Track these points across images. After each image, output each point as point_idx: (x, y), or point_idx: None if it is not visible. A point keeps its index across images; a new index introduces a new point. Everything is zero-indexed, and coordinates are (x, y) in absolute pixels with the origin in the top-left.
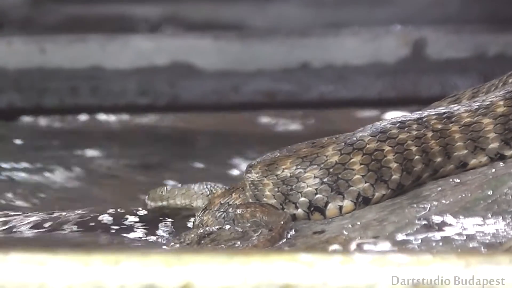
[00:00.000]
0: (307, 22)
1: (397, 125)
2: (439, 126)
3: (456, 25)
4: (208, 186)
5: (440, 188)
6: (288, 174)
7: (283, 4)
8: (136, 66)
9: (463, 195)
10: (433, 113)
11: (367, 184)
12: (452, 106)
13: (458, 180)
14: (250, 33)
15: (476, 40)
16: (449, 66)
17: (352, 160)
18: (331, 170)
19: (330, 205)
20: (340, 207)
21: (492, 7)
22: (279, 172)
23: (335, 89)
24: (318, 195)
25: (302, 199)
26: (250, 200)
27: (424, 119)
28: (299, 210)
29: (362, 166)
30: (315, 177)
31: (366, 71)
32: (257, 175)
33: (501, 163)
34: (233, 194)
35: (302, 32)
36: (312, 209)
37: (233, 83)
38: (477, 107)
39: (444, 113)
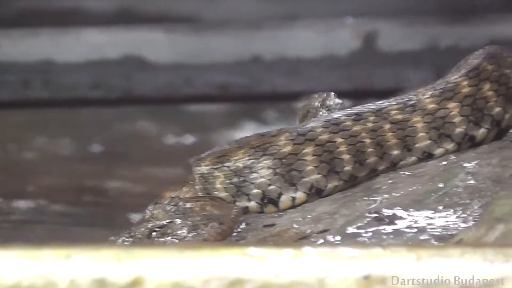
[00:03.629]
0: (260, 15)
1: (352, 117)
2: (399, 117)
3: (409, 17)
4: None
5: (391, 181)
6: (241, 165)
7: None
8: (89, 60)
9: (414, 188)
10: (393, 103)
11: (319, 175)
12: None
13: (409, 173)
14: (202, 25)
15: (429, 32)
16: (402, 59)
17: (304, 151)
18: (284, 160)
19: (283, 197)
20: (293, 199)
21: None
22: (230, 164)
23: (288, 82)
24: (271, 186)
25: (255, 190)
26: (200, 194)
27: (382, 111)
28: (252, 202)
29: (314, 157)
30: (268, 168)
31: (319, 63)
32: (207, 167)
33: (452, 156)
34: (183, 188)
35: (255, 25)
36: (265, 200)
37: (186, 76)
38: (441, 91)
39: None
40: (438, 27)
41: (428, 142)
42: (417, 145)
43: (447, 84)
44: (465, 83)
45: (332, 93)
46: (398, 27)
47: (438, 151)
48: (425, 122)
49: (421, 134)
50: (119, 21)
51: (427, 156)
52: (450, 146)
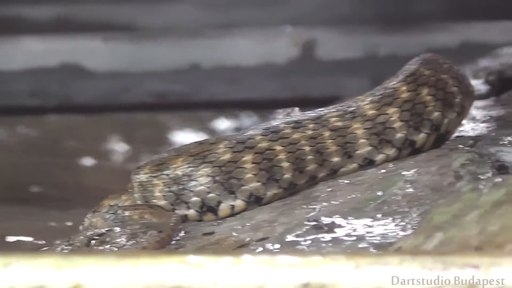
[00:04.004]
0: (199, 23)
1: (292, 124)
2: (339, 124)
3: (348, 26)
4: None
5: (330, 189)
6: (180, 173)
7: (174, 5)
8: (27, 68)
9: (353, 196)
10: (333, 111)
11: (259, 183)
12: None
13: (348, 181)
14: (141, 34)
15: (367, 41)
16: (340, 67)
17: (243, 159)
18: (223, 168)
19: (222, 205)
20: (233, 207)
21: (384, 8)
22: (169, 172)
23: (227, 90)
24: (210, 194)
25: (194, 198)
26: (139, 202)
27: (322, 118)
28: (191, 210)
29: (253, 165)
30: (207, 176)
31: (258, 72)
32: (146, 175)
33: (390, 164)
34: (122, 196)
35: (194, 33)
36: (204, 209)
37: (124, 84)
38: (380, 97)
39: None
40: (376, 35)
41: (369, 148)
42: (358, 152)
43: (386, 90)
44: (404, 88)
45: (297, 108)
46: (336, 35)
47: (379, 157)
48: (365, 129)
49: (361, 140)
50: (57, 29)
51: (368, 162)
52: (391, 152)
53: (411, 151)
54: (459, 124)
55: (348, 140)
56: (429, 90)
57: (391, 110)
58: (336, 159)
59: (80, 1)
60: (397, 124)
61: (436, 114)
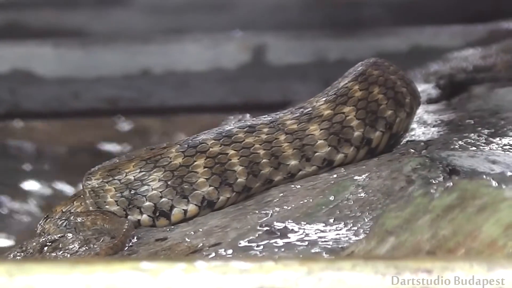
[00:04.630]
0: (148, 29)
1: (245, 129)
2: (295, 127)
3: (297, 31)
4: None
5: (282, 194)
6: (132, 178)
7: (124, 11)
8: None
9: (305, 201)
10: (287, 114)
11: (211, 187)
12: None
13: (299, 186)
14: (90, 40)
15: (316, 46)
16: (290, 72)
17: (195, 163)
18: (175, 172)
19: (175, 210)
20: (185, 211)
21: (333, 12)
22: (121, 177)
23: (177, 96)
24: (163, 199)
25: (147, 203)
26: (91, 208)
27: (277, 122)
28: (144, 215)
29: (205, 169)
30: (159, 180)
31: (208, 77)
32: (98, 181)
33: (342, 169)
34: (74, 202)
35: (144, 39)
36: (157, 214)
37: (74, 90)
38: (334, 96)
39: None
40: (325, 40)
41: (328, 149)
42: (317, 154)
43: (338, 89)
44: (357, 87)
45: (248, 115)
46: (286, 40)
47: (339, 156)
48: (322, 129)
49: (320, 141)
50: (6, 35)
51: (327, 164)
52: (349, 150)
53: (367, 151)
54: (408, 126)
55: (306, 143)
56: (379, 89)
57: (347, 109)
58: (293, 162)
59: (29, 7)
60: (354, 123)
61: (390, 112)
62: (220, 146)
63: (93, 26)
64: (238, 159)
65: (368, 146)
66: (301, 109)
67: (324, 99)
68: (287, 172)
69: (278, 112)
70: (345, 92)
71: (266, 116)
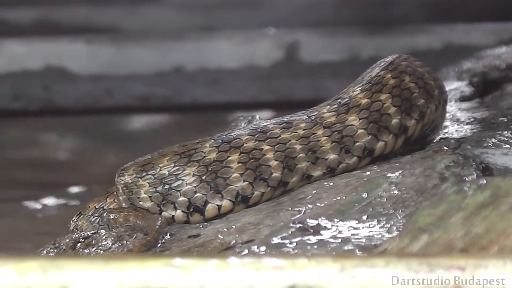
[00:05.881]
0: (180, 26)
1: (282, 125)
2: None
3: (330, 28)
4: None
5: (315, 191)
6: (166, 172)
7: (156, 8)
8: (9, 71)
9: (338, 198)
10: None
11: (245, 182)
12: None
13: (332, 183)
14: (123, 36)
15: (349, 43)
16: (323, 69)
17: (229, 158)
18: (209, 167)
19: (209, 205)
20: (219, 207)
21: (365, 10)
22: (155, 171)
23: (209, 93)
24: (197, 194)
25: (181, 198)
26: (124, 205)
27: (313, 117)
28: (178, 211)
29: (240, 164)
30: (193, 175)
31: (240, 74)
32: (131, 177)
33: (375, 166)
34: (107, 199)
35: (176, 36)
36: (191, 209)
37: (106, 87)
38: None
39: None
40: (358, 37)
41: (369, 137)
42: (357, 143)
43: (372, 78)
44: (389, 75)
45: (257, 115)
46: (319, 38)
47: (379, 145)
48: (361, 118)
49: (360, 131)
50: (39, 31)
51: (368, 153)
52: (389, 138)
53: (404, 139)
54: (436, 121)
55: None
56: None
57: (383, 97)
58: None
59: (62, 4)
60: (391, 110)
61: (422, 101)
62: (254, 142)
63: (125, 23)
64: (273, 154)
65: (405, 134)
66: (339, 100)
67: (359, 88)
68: (327, 166)
69: (313, 108)
70: (379, 81)
71: (300, 112)
